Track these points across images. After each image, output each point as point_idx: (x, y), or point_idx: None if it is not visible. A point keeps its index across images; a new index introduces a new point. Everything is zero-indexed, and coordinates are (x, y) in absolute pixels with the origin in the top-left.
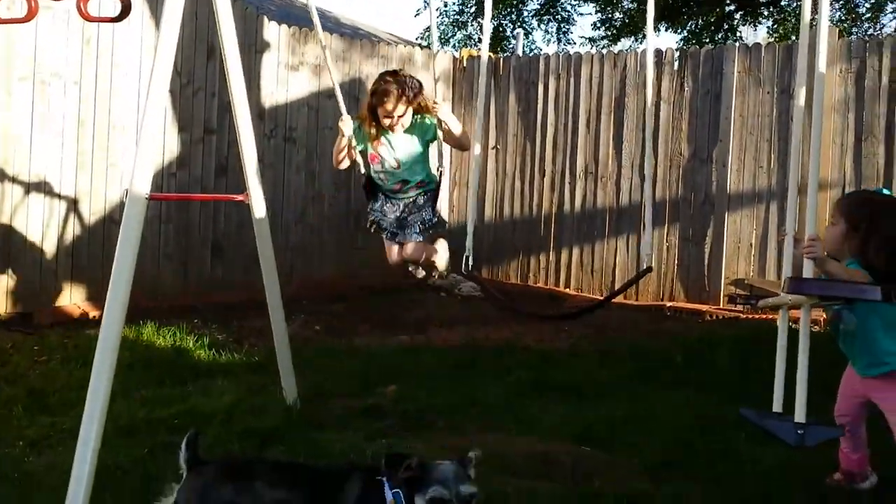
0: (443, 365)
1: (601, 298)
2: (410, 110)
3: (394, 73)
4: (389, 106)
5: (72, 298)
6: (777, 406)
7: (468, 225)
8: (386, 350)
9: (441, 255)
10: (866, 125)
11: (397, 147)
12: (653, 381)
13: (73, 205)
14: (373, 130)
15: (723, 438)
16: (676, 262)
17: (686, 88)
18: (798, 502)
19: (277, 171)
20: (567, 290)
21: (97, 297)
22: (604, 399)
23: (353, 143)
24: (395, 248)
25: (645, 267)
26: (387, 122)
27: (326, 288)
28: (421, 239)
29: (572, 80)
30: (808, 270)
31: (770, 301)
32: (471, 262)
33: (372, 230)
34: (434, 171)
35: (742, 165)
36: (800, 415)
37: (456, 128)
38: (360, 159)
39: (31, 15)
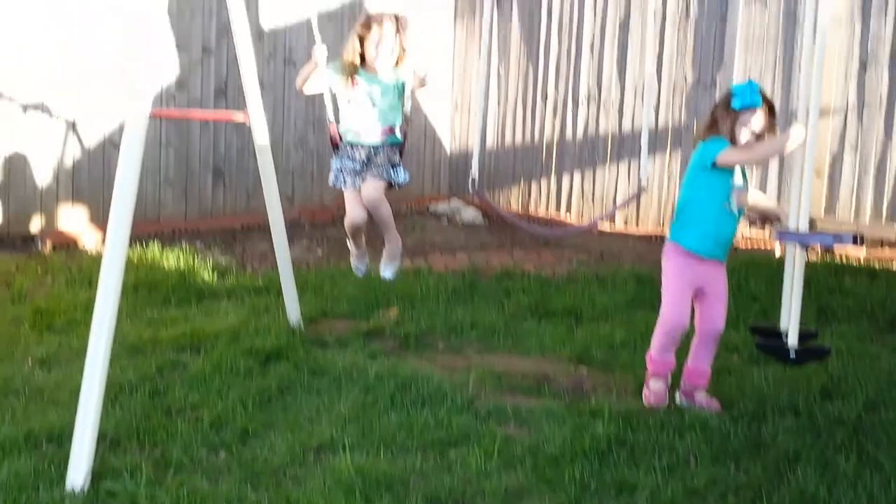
0: (443, 289)
1: (602, 221)
2: (398, 49)
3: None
4: (382, 34)
5: (74, 221)
6: (783, 326)
7: (475, 146)
8: None
9: (393, 253)
10: (871, 51)
11: (374, 87)
12: (650, 305)
13: (71, 127)
14: (355, 62)
15: (716, 359)
16: (677, 190)
17: (692, 12)
18: (788, 420)
19: (277, 94)
20: (567, 217)
21: (99, 219)
22: (602, 323)
23: (327, 75)
24: (357, 197)
25: (640, 187)
26: (373, 53)
27: (327, 212)
28: (383, 182)
29: (576, 2)
30: (803, 222)
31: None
32: (476, 185)
33: (336, 184)
34: (401, 125)
35: None
36: (792, 338)
37: (427, 80)
38: (333, 90)
39: None
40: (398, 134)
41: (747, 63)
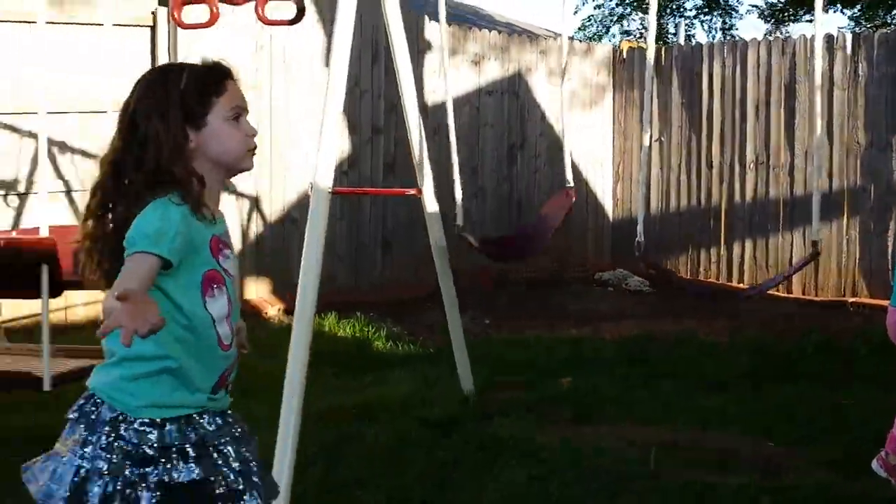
0: (614, 357)
1: (777, 293)
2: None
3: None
4: (236, 102)
5: (257, 292)
6: None
7: (639, 211)
8: (555, 342)
9: None
10: None
11: (229, 241)
12: (837, 375)
13: (255, 204)
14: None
15: None
16: (858, 255)
17: (861, 74)
18: None
19: (441, 168)
20: (740, 285)
21: (279, 290)
22: (787, 393)
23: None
24: None
25: (813, 251)
26: (231, 150)
27: (491, 282)
28: None
29: (738, 68)
30: None
31: None
32: (642, 248)
33: None
34: None
35: None
36: None
37: None
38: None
39: (213, 20)
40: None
41: None
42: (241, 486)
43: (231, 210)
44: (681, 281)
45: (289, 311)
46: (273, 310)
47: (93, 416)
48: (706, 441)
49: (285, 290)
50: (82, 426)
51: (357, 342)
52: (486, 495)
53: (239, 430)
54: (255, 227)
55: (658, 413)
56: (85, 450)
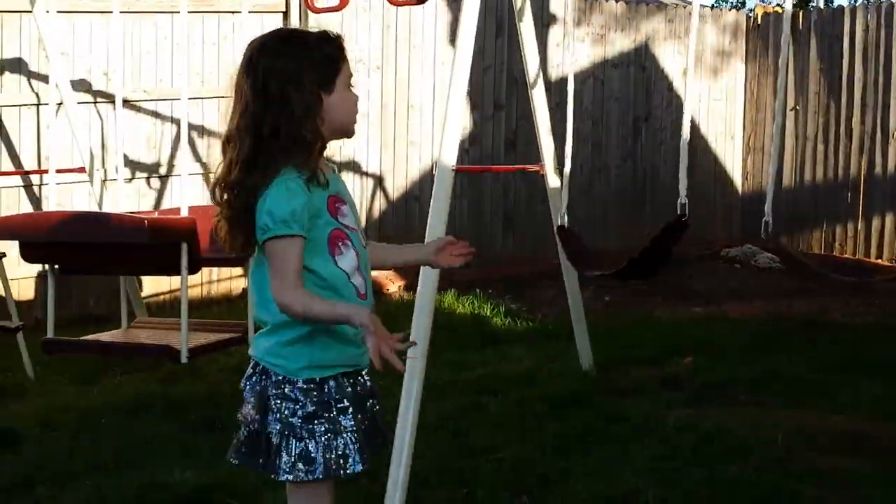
0: (741, 337)
1: None
2: None
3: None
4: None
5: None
6: None
7: (769, 183)
8: (679, 321)
9: None
10: None
11: (346, 194)
12: None
13: (378, 181)
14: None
15: None
16: None
17: None
18: None
19: (561, 143)
20: (879, 260)
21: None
22: None
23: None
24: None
25: None
26: (343, 114)
27: (612, 259)
28: None
29: (883, 31)
30: None
31: None
32: (770, 228)
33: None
34: None
35: None
36: None
37: None
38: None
39: (344, 3)
40: None
41: None
42: (376, 431)
43: (355, 188)
44: (810, 259)
45: (409, 287)
46: (394, 286)
47: (262, 383)
48: (837, 425)
49: (407, 266)
50: (255, 395)
51: (475, 319)
52: (605, 470)
53: (370, 384)
54: (379, 205)
55: (785, 395)
56: (260, 416)
